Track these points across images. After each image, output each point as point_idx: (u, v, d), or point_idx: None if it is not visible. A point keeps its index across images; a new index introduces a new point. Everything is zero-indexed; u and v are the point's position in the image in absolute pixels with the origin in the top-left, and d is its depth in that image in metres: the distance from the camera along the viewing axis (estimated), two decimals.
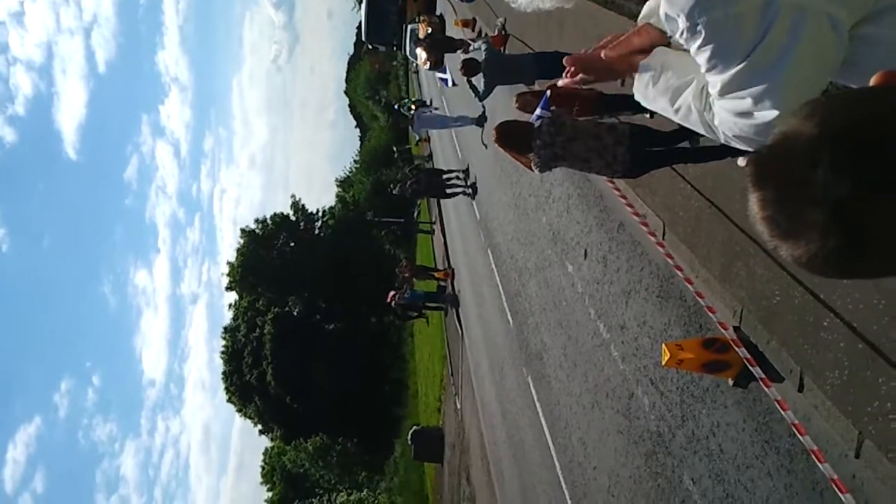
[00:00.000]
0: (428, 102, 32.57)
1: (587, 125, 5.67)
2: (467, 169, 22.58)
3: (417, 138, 37.27)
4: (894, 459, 3.73)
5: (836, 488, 3.94)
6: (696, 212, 6.29)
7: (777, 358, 4.85)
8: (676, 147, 5.91)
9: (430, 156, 38.53)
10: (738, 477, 5.32)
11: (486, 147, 17.17)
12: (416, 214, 49.26)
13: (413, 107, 32.93)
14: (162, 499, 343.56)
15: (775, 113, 1.75)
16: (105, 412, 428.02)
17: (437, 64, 13.80)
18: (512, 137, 5.64)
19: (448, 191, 22.33)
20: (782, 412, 4.51)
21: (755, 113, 1.79)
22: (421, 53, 14.00)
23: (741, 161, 5.54)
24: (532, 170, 5.67)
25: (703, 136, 2.17)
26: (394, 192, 24.09)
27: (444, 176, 23.08)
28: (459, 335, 24.64)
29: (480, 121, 18.75)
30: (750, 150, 2.00)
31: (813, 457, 4.18)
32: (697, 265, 6.04)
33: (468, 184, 21.56)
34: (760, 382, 4.78)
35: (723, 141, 2.04)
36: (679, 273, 6.18)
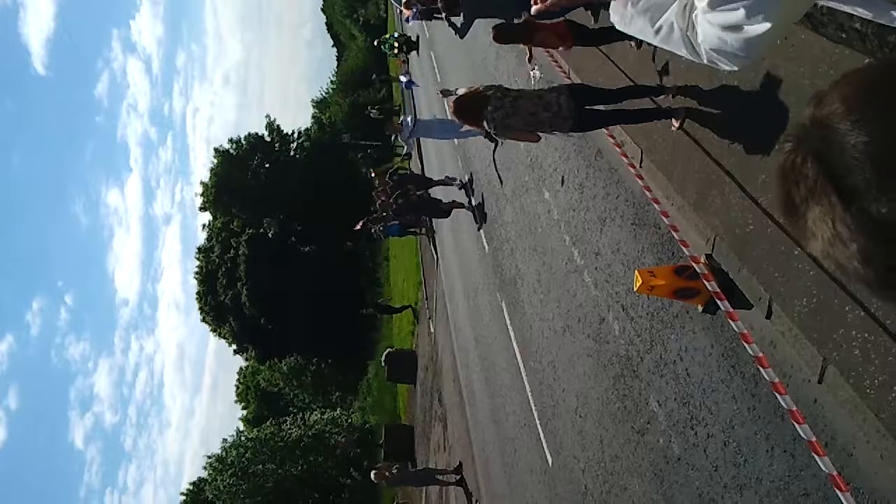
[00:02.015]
0: (413, 80, 27.42)
1: (530, 90, 6.36)
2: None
3: (405, 150, 26.97)
4: (855, 385, 3.84)
5: (794, 421, 4.05)
6: (674, 140, 6.27)
7: (747, 286, 4.93)
8: (618, 108, 6.48)
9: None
10: (703, 400, 5.47)
11: (502, 183, 13.53)
12: (393, 139, 48.71)
13: (396, 47, 29.87)
14: (136, 416, 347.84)
15: (767, 26, 1.72)
16: (78, 331, 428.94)
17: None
18: (467, 110, 6.09)
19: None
20: (746, 346, 4.60)
21: (746, 27, 1.76)
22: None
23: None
24: (492, 135, 6.53)
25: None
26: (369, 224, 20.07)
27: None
28: (435, 260, 24.77)
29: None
30: (729, 66, 1.97)
31: (774, 390, 4.28)
32: (673, 193, 6.06)
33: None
34: (727, 317, 4.86)
35: (705, 61, 2.01)
36: (653, 201, 6.20)
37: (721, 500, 5.17)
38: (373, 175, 21.85)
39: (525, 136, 6.28)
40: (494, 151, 13.90)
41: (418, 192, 17.22)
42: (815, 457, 3.86)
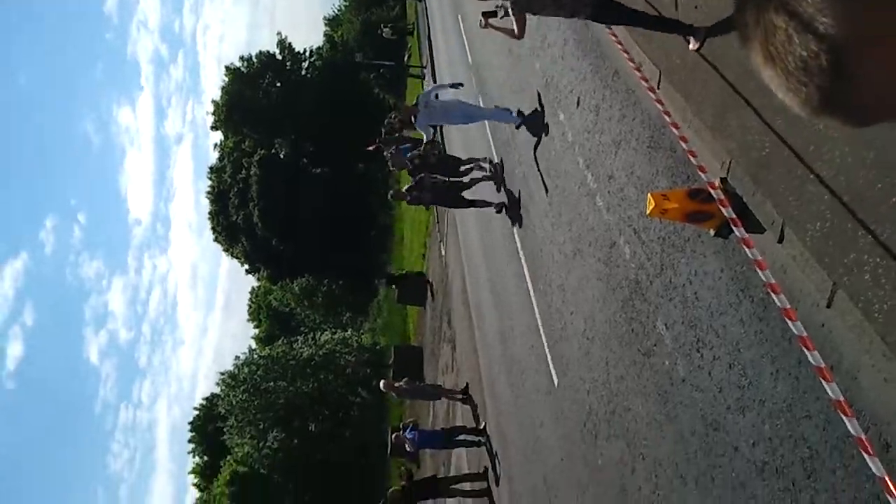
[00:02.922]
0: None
1: None
2: None
3: (424, 139, 16.67)
4: (864, 309, 3.84)
5: (803, 347, 4.06)
6: (693, 62, 6.13)
7: (761, 209, 4.88)
8: (638, 10, 6.60)
9: None
10: (710, 323, 5.50)
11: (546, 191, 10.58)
12: (406, 59, 47.92)
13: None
14: (150, 334, 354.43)
15: None
16: (91, 250, 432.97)
17: None
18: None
19: None
20: (759, 272, 4.59)
21: None
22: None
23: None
24: (514, 32, 6.68)
25: None
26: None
27: None
28: None
29: (535, 121, 11.33)
30: None
31: (785, 316, 4.29)
32: (690, 115, 5.96)
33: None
34: (740, 243, 4.83)
35: None
36: (672, 126, 6.11)
37: (723, 421, 5.25)
38: (392, 117, 19.14)
39: (519, 26, 6.61)
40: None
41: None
42: (822, 382, 3.89)
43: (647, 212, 5.56)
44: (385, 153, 19.75)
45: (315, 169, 55.24)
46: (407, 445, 15.59)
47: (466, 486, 15.56)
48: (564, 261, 9.48)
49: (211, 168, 59.56)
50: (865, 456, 3.56)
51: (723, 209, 5.08)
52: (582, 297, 8.66)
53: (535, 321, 10.63)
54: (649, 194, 5.59)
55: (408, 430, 15.15)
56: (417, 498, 16.86)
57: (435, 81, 26.81)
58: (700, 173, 5.47)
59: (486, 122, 14.76)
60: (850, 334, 4.03)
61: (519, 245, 11.89)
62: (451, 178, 13.70)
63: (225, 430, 43.27)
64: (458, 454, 17.89)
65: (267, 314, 68.16)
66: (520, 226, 12.08)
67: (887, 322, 3.68)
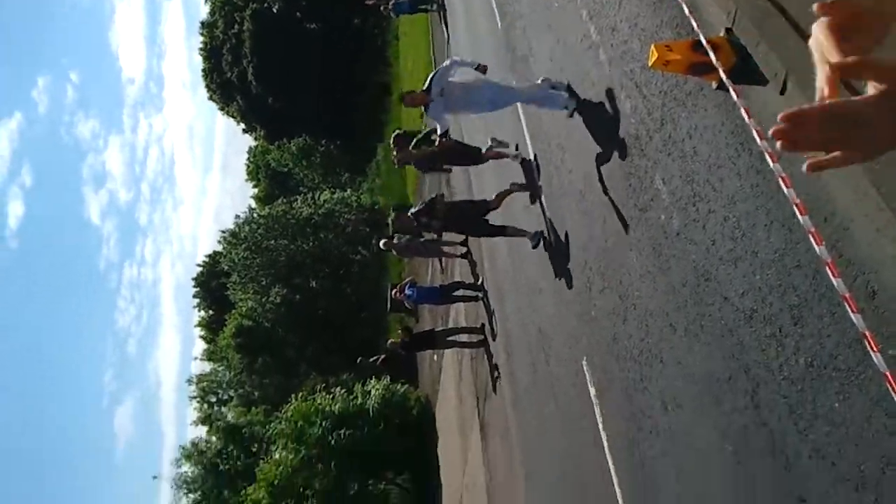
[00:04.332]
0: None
1: None
2: None
3: (438, 131, 10.15)
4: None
5: (796, 210, 4.07)
6: None
7: (764, 60, 4.81)
8: None
9: None
10: (707, 177, 5.53)
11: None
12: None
13: None
14: (150, 193, 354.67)
15: None
16: (86, 109, 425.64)
17: None
18: None
19: None
20: (746, 120, 4.56)
21: None
22: None
23: None
24: None
25: None
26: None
27: None
28: (445, 39, 23.99)
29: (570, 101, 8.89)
30: None
31: (781, 183, 4.29)
32: None
33: None
34: (733, 91, 4.77)
35: None
36: None
37: (715, 272, 5.39)
38: None
39: None
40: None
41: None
42: (813, 242, 3.92)
43: (650, 63, 5.47)
44: (381, 7, 18.52)
45: (310, 24, 53.43)
46: (406, 303, 15.99)
47: (464, 338, 16.12)
48: (564, 118, 9.37)
49: (202, 23, 57.59)
50: (848, 309, 3.69)
51: (714, 60, 4.96)
52: (580, 151, 8.63)
53: (534, 178, 10.67)
54: (652, 45, 5.47)
55: (407, 287, 15.50)
56: (416, 349, 17.48)
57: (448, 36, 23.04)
58: (701, 26, 5.34)
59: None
60: (843, 185, 4.08)
61: (520, 109, 11.70)
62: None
63: (228, 286, 44.25)
64: (457, 309, 18.42)
65: (265, 174, 67.97)
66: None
67: (882, 171, 3.71)
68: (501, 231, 11.29)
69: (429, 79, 9.17)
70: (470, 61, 9.74)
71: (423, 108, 9.47)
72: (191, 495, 42.96)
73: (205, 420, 52.28)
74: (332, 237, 40.25)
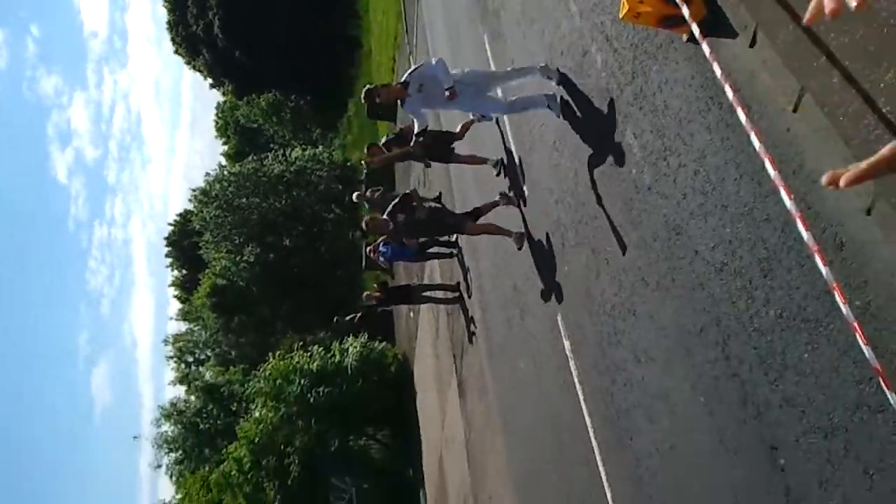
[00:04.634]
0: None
1: None
2: None
3: (416, 127, 9.29)
4: (829, 113, 3.86)
5: (767, 163, 4.07)
6: None
7: (735, 13, 4.76)
8: None
9: None
10: (678, 131, 5.51)
11: None
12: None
13: None
14: (118, 151, 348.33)
15: None
16: (48, 64, 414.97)
17: None
18: None
19: None
20: (716, 71, 4.53)
21: None
22: None
23: None
24: None
25: None
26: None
27: None
28: None
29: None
30: None
31: (752, 136, 4.28)
32: None
33: None
34: (709, 59, 4.73)
35: None
36: None
37: (686, 226, 5.41)
38: None
39: None
40: None
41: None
42: (783, 195, 3.94)
43: (621, 15, 5.40)
44: None
45: None
46: (381, 261, 15.93)
47: (439, 294, 16.15)
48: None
49: None
50: (816, 258, 3.72)
51: (685, 12, 4.89)
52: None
53: (507, 135, 10.60)
54: None
55: (381, 245, 15.44)
56: (392, 303, 17.49)
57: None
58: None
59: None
60: (813, 138, 4.08)
61: (490, 55, 11.55)
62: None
63: (201, 245, 43.89)
64: (431, 266, 18.42)
65: (235, 130, 67.06)
66: (491, 36, 11.69)
67: (851, 124, 3.72)
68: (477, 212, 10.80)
69: (408, 73, 8.68)
70: (450, 76, 8.44)
71: (398, 102, 8.94)
72: (172, 454, 43.13)
73: (182, 380, 52.35)
74: (304, 195, 39.92)
